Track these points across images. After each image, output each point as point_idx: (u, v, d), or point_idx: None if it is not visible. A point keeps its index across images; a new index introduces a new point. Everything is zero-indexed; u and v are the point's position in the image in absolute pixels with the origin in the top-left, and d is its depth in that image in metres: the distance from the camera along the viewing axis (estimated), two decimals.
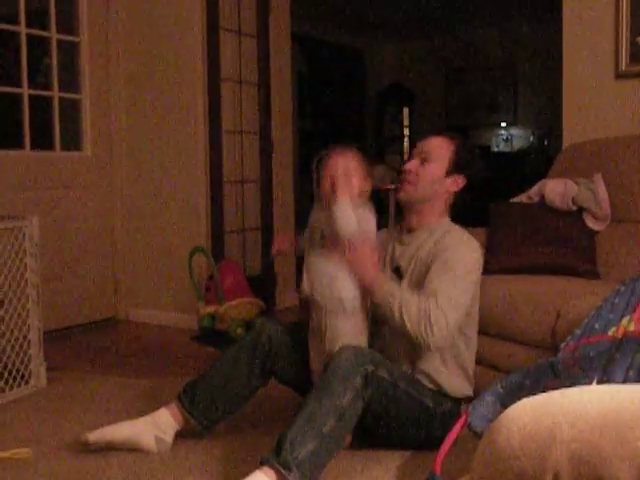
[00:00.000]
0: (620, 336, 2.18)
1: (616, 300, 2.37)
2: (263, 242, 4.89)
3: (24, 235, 3.23)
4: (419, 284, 2.33)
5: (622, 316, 2.28)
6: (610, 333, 2.23)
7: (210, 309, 4.23)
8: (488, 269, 2.89)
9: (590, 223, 3.28)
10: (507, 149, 9.19)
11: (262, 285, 4.76)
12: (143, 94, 4.69)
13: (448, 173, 2.40)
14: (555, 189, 3.29)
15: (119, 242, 4.81)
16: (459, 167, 2.41)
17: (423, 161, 2.41)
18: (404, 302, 2.22)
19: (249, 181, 4.87)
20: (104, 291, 4.78)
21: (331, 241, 2.31)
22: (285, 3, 5.15)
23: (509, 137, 9.20)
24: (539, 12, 6.98)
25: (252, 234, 4.90)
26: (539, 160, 8.30)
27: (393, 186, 2.60)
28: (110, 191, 4.77)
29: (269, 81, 4.95)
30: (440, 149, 2.41)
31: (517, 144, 9.18)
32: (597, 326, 2.34)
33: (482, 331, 2.92)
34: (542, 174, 3.70)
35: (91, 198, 4.67)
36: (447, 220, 2.48)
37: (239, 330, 4.15)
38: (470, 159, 2.45)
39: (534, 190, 3.40)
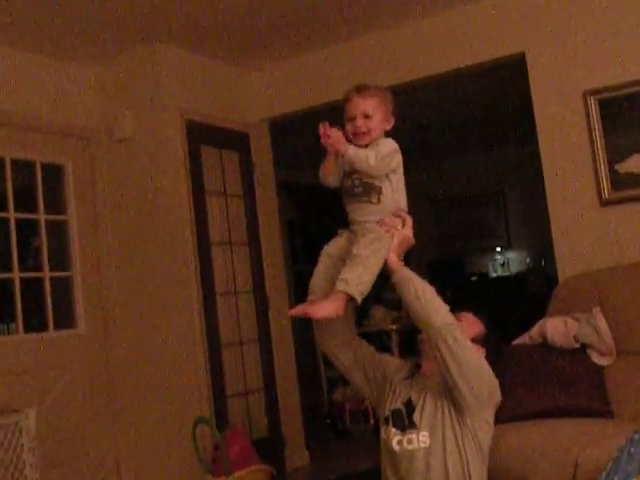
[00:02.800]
0: None
1: (632, 449, 2.27)
2: (267, 403, 4.77)
3: (20, 430, 3.13)
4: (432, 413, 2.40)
5: None
6: None
7: None
8: (499, 418, 2.79)
9: (596, 359, 3.22)
10: (505, 273, 9.16)
11: (270, 448, 4.60)
12: (134, 264, 4.68)
13: (473, 340, 2.47)
14: (556, 328, 3.24)
15: (119, 419, 4.65)
16: (481, 339, 2.54)
17: None
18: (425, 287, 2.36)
19: (248, 342, 4.80)
20: (107, 472, 4.58)
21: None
22: (268, 161, 5.22)
23: (505, 261, 9.19)
24: (522, 136, 7.11)
25: (255, 396, 4.78)
26: (539, 280, 8.25)
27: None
28: (106, 367, 4.66)
29: (259, 239, 4.97)
30: (473, 323, 2.56)
31: (514, 267, 9.16)
32: (616, 479, 2.23)
33: None
34: (544, 294, 3.64)
35: (87, 376, 4.55)
36: None
37: None
38: (491, 336, 2.60)
39: (535, 330, 3.34)
